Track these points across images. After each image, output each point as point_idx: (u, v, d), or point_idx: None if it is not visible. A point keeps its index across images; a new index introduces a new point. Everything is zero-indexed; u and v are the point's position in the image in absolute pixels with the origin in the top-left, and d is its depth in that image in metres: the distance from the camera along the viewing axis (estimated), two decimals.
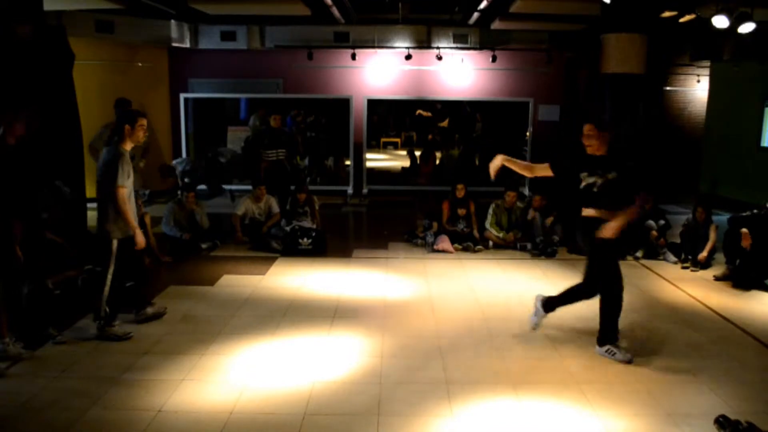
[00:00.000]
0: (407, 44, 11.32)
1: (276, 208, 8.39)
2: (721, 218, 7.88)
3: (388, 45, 11.44)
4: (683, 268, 7.44)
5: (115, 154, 4.82)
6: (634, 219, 4.63)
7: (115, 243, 4.91)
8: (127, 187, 4.85)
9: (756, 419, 3.70)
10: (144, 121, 4.97)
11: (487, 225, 8.33)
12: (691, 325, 5.55)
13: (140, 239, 4.97)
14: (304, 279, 6.78)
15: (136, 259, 5.31)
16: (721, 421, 3.64)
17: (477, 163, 13.50)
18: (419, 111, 13.41)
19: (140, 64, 11.48)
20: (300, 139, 12.46)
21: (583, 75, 9.54)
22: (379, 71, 12.14)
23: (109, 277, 4.92)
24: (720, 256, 7.38)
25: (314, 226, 8.21)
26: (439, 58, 11.31)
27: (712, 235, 7.41)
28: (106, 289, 4.92)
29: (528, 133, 12.01)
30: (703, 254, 7.33)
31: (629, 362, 4.67)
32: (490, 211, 8.39)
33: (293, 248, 7.75)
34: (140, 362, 4.56)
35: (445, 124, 14.00)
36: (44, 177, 6.27)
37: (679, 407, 4.05)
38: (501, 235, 8.28)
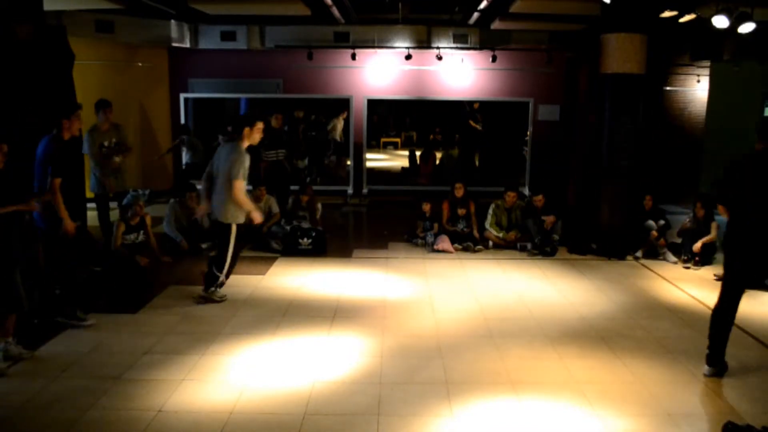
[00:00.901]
0: (407, 44, 11.30)
1: (276, 208, 8.38)
2: (722, 219, 7.86)
3: (388, 45, 11.43)
4: (685, 267, 7.46)
5: (239, 152, 5.64)
6: None
7: (234, 227, 5.77)
8: (244, 180, 5.68)
9: (756, 420, 3.70)
10: (261, 125, 5.77)
11: (487, 225, 8.33)
12: (691, 325, 5.55)
13: (257, 216, 5.90)
14: (304, 279, 6.79)
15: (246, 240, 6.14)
16: (730, 428, 3.59)
17: (477, 163, 13.50)
18: (471, 122, 13.31)
19: (140, 64, 11.48)
20: (300, 138, 12.45)
21: (583, 75, 9.53)
22: (379, 71, 12.12)
23: (230, 255, 5.83)
24: (721, 256, 7.37)
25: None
26: (439, 58, 11.30)
27: (713, 231, 7.45)
28: (227, 264, 5.84)
29: (528, 133, 12.02)
30: (698, 245, 7.41)
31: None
32: (490, 211, 8.39)
33: (293, 248, 7.75)
34: (140, 362, 4.57)
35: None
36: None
37: (679, 407, 4.05)
38: (501, 235, 8.28)
